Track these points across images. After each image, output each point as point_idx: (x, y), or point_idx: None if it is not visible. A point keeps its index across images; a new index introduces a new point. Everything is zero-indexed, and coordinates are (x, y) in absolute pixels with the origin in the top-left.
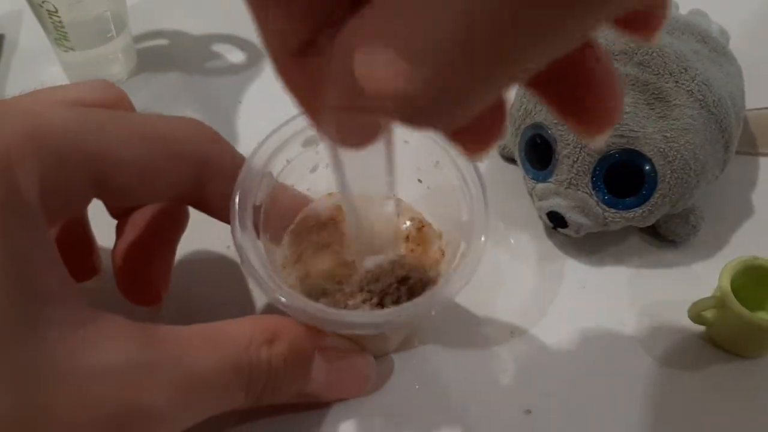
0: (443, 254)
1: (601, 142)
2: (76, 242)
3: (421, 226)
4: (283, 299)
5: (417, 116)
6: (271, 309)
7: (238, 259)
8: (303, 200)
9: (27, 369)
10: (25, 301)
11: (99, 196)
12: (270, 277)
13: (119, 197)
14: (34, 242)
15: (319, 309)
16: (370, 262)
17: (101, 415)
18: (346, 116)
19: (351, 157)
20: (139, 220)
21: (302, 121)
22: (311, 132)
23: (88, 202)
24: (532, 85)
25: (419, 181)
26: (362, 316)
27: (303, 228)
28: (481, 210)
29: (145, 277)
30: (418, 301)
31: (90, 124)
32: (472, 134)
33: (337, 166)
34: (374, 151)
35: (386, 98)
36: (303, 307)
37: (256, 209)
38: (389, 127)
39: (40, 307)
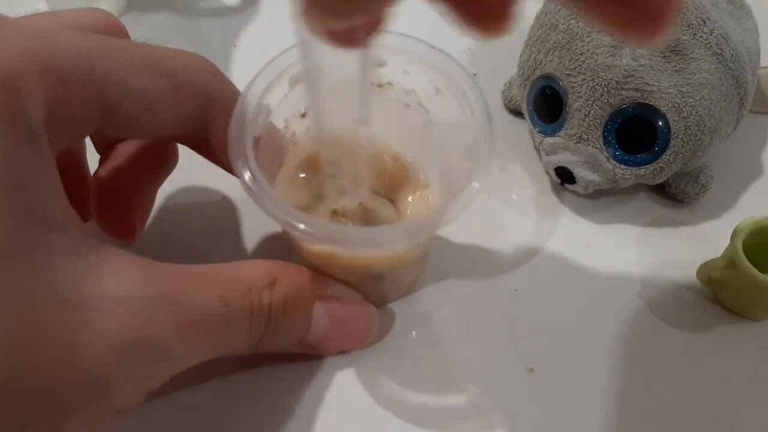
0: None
1: (658, 43)
2: (71, 180)
3: (396, 161)
4: (302, 226)
5: None
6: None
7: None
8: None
9: (25, 292)
10: (26, 225)
11: (100, 126)
12: (281, 204)
13: (120, 128)
14: (38, 165)
15: (339, 228)
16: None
17: (102, 344)
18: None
19: (325, 53)
20: (126, 149)
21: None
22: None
23: (89, 131)
24: None
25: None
26: (389, 230)
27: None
28: (486, 131)
29: (123, 207)
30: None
31: (95, 48)
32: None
33: (308, 55)
34: (348, 61)
35: None
36: (324, 229)
37: (255, 141)
38: (365, 37)
39: (42, 232)
